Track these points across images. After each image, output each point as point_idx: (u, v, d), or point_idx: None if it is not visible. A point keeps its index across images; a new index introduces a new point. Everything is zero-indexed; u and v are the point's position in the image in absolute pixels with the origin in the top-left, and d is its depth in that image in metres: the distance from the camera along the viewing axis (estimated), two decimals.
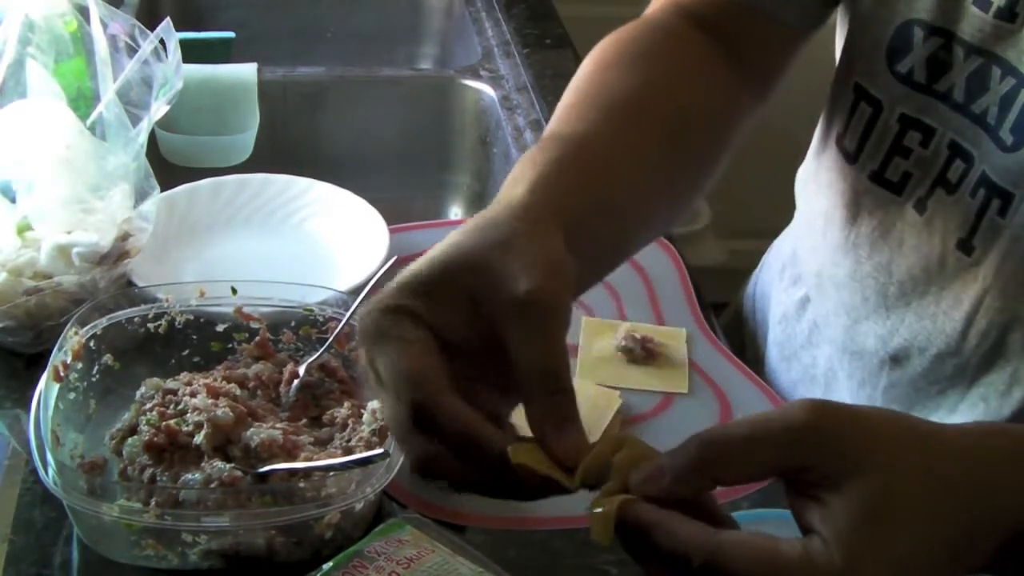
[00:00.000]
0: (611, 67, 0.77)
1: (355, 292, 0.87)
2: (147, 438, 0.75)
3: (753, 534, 0.50)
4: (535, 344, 0.54)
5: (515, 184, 0.63)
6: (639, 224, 0.73)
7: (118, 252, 0.91)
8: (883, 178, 0.81)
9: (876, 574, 0.48)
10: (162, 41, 0.94)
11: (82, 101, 0.97)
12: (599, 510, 0.52)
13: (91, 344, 0.81)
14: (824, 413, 0.50)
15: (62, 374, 0.78)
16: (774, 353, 1.01)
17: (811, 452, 0.50)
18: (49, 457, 0.70)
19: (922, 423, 0.55)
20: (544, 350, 0.54)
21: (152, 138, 1.00)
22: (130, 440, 0.77)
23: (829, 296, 0.89)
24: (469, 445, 0.53)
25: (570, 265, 0.58)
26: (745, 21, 0.82)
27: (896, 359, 0.83)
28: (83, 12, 0.95)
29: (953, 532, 0.51)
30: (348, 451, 0.77)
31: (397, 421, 0.54)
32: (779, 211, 1.03)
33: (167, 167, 1.21)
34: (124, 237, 0.92)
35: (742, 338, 1.08)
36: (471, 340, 0.56)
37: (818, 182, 0.90)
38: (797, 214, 0.99)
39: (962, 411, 0.80)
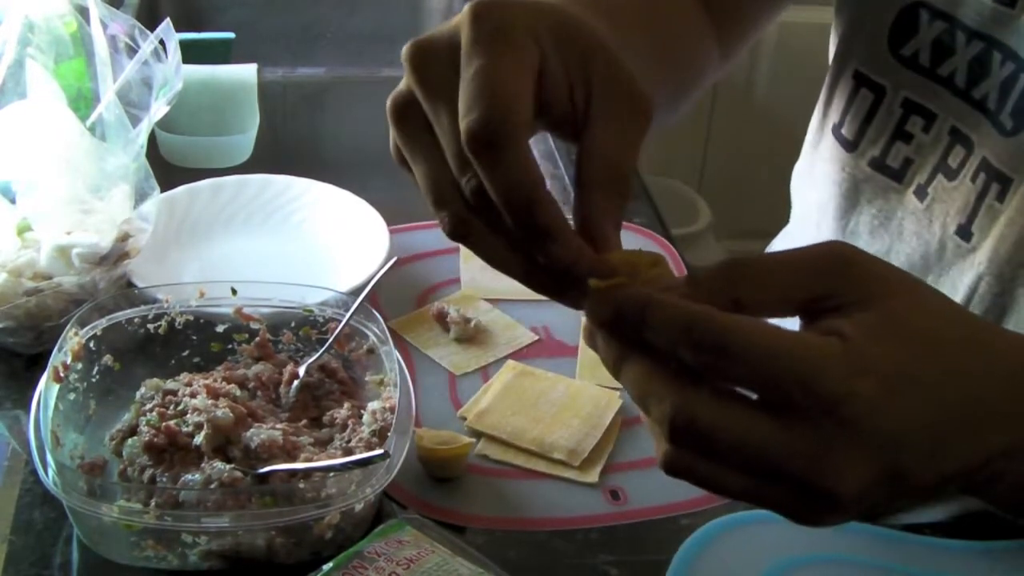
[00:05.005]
0: None
1: (355, 292, 0.86)
2: (147, 439, 0.75)
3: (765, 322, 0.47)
4: (623, 136, 0.54)
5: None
6: None
7: (118, 253, 0.91)
8: (884, 164, 0.82)
9: (889, 361, 0.46)
10: (162, 42, 0.94)
11: (82, 101, 0.97)
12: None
13: (91, 345, 0.81)
14: (854, 249, 0.50)
15: (62, 375, 0.78)
16: None
17: (840, 280, 0.49)
18: (49, 458, 0.70)
19: None
20: (628, 144, 0.54)
21: (152, 138, 1.00)
22: (130, 441, 0.77)
23: None
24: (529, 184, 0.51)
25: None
26: None
27: None
28: (83, 12, 0.95)
29: (970, 364, 0.49)
30: (348, 452, 0.77)
31: (470, 129, 0.53)
32: (779, 212, 1.03)
33: (167, 167, 1.21)
34: (124, 238, 0.92)
35: None
36: (558, 86, 0.55)
37: (812, 175, 0.90)
38: (792, 213, 0.99)
39: None
